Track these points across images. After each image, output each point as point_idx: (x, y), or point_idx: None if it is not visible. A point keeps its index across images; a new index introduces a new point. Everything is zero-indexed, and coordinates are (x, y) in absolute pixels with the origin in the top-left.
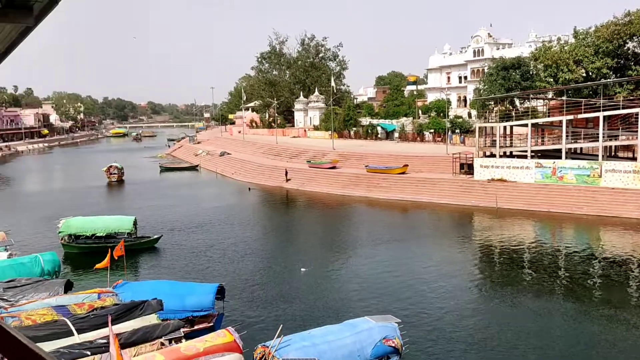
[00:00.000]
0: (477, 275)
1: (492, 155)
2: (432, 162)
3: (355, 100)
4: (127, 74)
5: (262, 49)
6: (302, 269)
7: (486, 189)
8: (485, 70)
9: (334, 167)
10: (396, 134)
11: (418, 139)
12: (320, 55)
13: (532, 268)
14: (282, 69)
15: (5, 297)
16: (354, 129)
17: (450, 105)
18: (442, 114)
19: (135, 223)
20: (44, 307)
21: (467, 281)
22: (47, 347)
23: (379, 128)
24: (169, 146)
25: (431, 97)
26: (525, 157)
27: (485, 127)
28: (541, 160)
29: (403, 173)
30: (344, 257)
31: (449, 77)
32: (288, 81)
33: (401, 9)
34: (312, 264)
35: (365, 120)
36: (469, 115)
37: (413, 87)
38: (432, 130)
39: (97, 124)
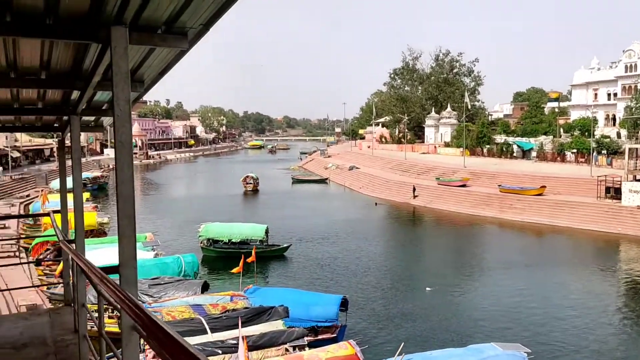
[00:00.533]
0: (621, 311)
1: None
2: (573, 184)
3: (489, 117)
4: (266, 89)
5: (396, 65)
6: (428, 288)
7: (635, 216)
8: (639, 87)
9: (464, 186)
10: (534, 153)
11: (558, 159)
12: (455, 70)
13: None
14: (415, 85)
15: (149, 293)
16: (488, 146)
17: (596, 123)
18: (586, 133)
19: (267, 231)
20: (182, 304)
21: (608, 316)
22: None
23: (514, 146)
24: (301, 159)
25: (575, 115)
26: None
27: (637, 148)
28: None
29: (540, 194)
30: (471, 279)
31: (596, 94)
32: (420, 97)
33: (544, 23)
34: (437, 283)
35: (500, 138)
36: (618, 135)
37: (554, 104)
38: (574, 150)
39: (237, 136)
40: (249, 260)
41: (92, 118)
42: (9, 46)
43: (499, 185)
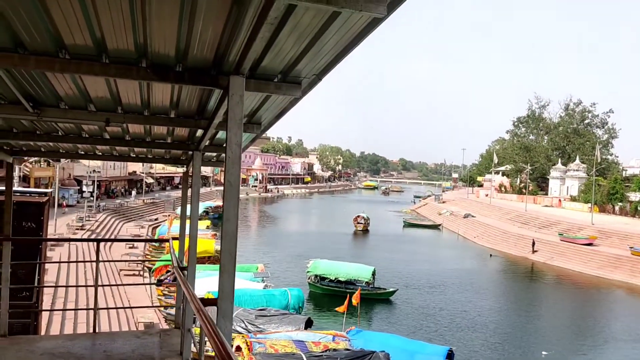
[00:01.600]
0: None
1: None
2: None
3: (623, 172)
4: (385, 130)
5: (520, 113)
6: (544, 353)
7: None
8: None
9: (590, 244)
10: None
11: None
12: (586, 121)
13: None
14: (540, 134)
15: (256, 324)
16: (620, 204)
17: None
18: None
19: (374, 273)
20: (286, 339)
21: None
22: None
23: None
24: (414, 202)
25: None
26: None
27: None
28: None
29: None
30: (593, 347)
31: None
32: (545, 147)
33: None
34: (554, 348)
35: (634, 196)
36: None
37: None
38: None
39: (352, 176)
40: (354, 301)
41: (214, 154)
42: (144, 88)
43: (631, 247)
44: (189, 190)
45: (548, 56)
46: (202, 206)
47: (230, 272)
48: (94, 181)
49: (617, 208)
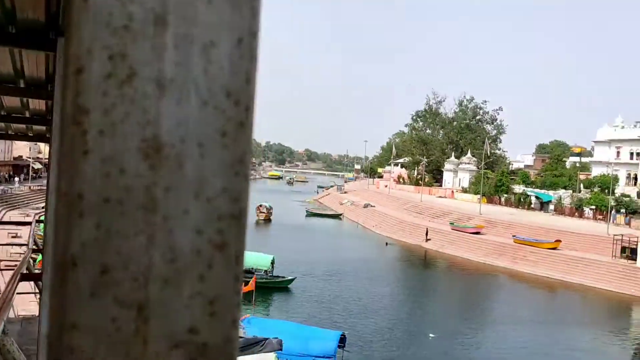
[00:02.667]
0: None
1: None
2: (589, 241)
3: (510, 166)
4: (290, 121)
5: (419, 107)
6: (431, 335)
7: None
8: None
9: (478, 233)
10: (551, 206)
11: (576, 214)
12: (478, 117)
13: None
14: (436, 128)
15: None
16: (505, 195)
17: (617, 181)
18: (606, 191)
19: (273, 262)
20: None
21: None
22: None
23: (533, 197)
24: (318, 192)
25: (596, 172)
26: None
27: None
28: None
29: (554, 249)
30: (477, 330)
31: (618, 152)
32: (441, 141)
33: (572, 77)
34: (441, 331)
35: (518, 188)
36: (638, 195)
37: (576, 159)
38: (593, 207)
39: (257, 165)
40: (246, 289)
41: (23, 126)
42: None
43: (514, 236)
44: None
45: (447, 56)
46: None
47: None
48: None
49: (503, 199)
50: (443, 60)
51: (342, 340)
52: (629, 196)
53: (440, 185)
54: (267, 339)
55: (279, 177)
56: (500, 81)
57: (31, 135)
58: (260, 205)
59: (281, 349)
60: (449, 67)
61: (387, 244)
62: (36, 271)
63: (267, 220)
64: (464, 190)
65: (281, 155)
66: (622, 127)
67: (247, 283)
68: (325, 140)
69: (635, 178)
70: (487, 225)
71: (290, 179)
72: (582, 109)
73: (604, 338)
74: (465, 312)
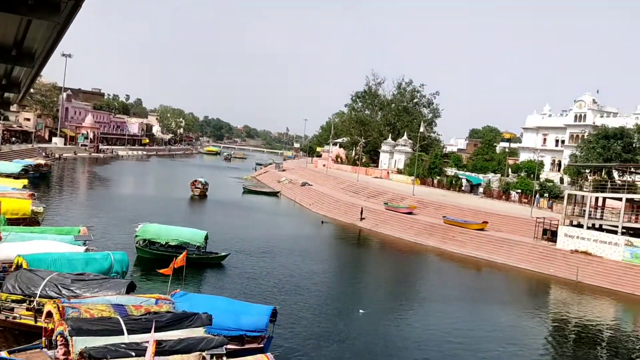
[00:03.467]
0: (544, 349)
1: (579, 226)
2: (514, 223)
3: (444, 149)
4: (230, 96)
5: (359, 87)
6: (361, 311)
7: (568, 260)
8: (585, 137)
9: (410, 213)
10: (481, 189)
11: (503, 197)
12: (415, 100)
13: (605, 352)
14: (375, 110)
15: (72, 289)
16: (438, 177)
17: (542, 167)
18: (532, 175)
19: (206, 238)
20: (104, 303)
21: (530, 354)
22: (98, 341)
23: (464, 180)
24: (256, 169)
25: (523, 157)
26: (615, 232)
27: (576, 195)
28: (632, 239)
29: (481, 230)
30: (405, 306)
31: (545, 139)
32: (379, 122)
33: (504, 65)
34: (371, 307)
35: (450, 171)
36: (561, 180)
37: (506, 145)
38: (519, 191)
39: (194, 140)
40: (177, 263)
41: None
42: None
43: (444, 217)
44: (13, 145)
45: (388, 37)
46: (21, 164)
47: None
48: None
49: (435, 181)
50: (383, 42)
51: (274, 315)
52: (552, 181)
53: (377, 166)
54: (196, 314)
55: (217, 153)
56: (438, 65)
57: None
58: (196, 181)
59: (210, 324)
60: (389, 48)
61: (322, 222)
62: None
63: (203, 196)
64: (399, 172)
65: (220, 130)
66: (550, 115)
67: (176, 258)
68: (265, 117)
69: (559, 164)
70: (420, 205)
71: (228, 155)
72: (514, 97)
73: (524, 315)
74: (396, 289)
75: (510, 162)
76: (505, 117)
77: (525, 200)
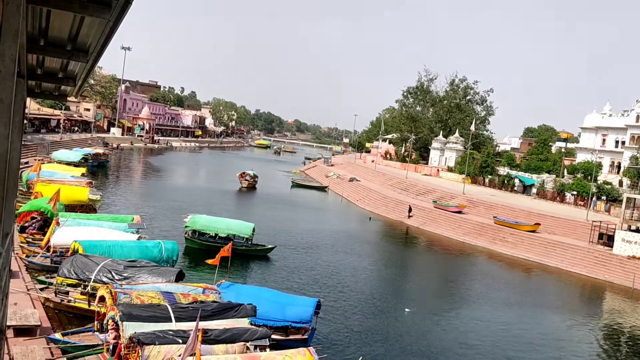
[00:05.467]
0: (596, 359)
1: (638, 231)
2: (568, 225)
3: (496, 148)
4: (282, 91)
5: (411, 83)
6: (407, 310)
7: (624, 266)
8: None
9: (460, 212)
10: (534, 189)
11: (558, 198)
12: (468, 97)
13: None
14: (426, 106)
15: (124, 275)
16: (490, 176)
17: (600, 169)
18: (589, 177)
19: (253, 230)
20: (154, 290)
21: None
22: (147, 327)
23: (516, 180)
24: (304, 164)
25: (581, 158)
26: None
27: (636, 198)
28: None
29: (533, 231)
30: (452, 307)
31: (604, 140)
32: (430, 119)
33: (565, 62)
34: (417, 306)
35: (503, 170)
36: (620, 183)
37: (562, 144)
38: (574, 192)
39: (245, 133)
40: (223, 254)
41: (52, 86)
42: None
43: (494, 217)
44: (73, 133)
45: (442, 33)
46: (81, 153)
47: None
48: None
49: (487, 180)
50: (438, 38)
51: (318, 307)
52: (610, 184)
53: (427, 163)
54: (241, 304)
55: (267, 147)
56: (494, 62)
57: None
58: (244, 173)
59: (255, 315)
60: (444, 45)
61: (370, 218)
62: None
63: (252, 188)
64: (450, 170)
65: (270, 124)
66: (610, 115)
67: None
68: (315, 112)
69: (619, 166)
70: (470, 205)
71: (278, 148)
72: (572, 95)
73: (575, 321)
74: (442, 289)
75: (567, 162)
76: (563, 116)
77: (581, 203)
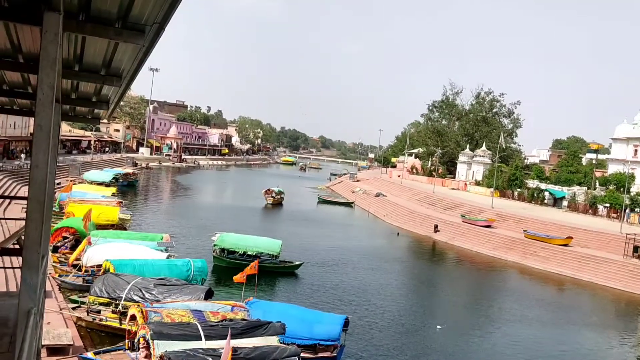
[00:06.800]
0: None
1: None
2: (601, 238)
3: (525, 161)
4: (307, 107)
5: (436, 97)
6: (438, 327)
7: None
8: None
9: (489, 226)
10: (565, 202)
11: (590, 211)
12: (494, 110)
13: None
14: (452, 120)
15: (154, 293)
16: (519, 190)
17: (633, 180)
18: (622, 189)
19: (281, 247)
20: (184, 308)
21: None
22: (177, 346)
23: (546, 193)
24: (330, 180)
25: (612, 169)
26: None
27: None
28: None
29: (566, 245)
30: (483, 325)
31: (636, 150)
32: (456, 132)
33: (593, 72)
34: (447, 323)
35: (532, 183)
36: None
37: (593, 156)
38: (607, 205)
39: (270, 150)
40: (249, 271)
41: (86, 109)
42: None
43: (525, 231)
44: (104, 154)
45: (468, 45)
46: (111, 173)
47: (37, 220)
48: None
49: (516, 193)
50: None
51: (346, 324)
52: None
53: (454, 177)
54: (270, 322)
55: (293, 163)
56: (520, 74)
57: (17, 109)
58: (269, 189)
59: (284, 333)
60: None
61: (398, 234)
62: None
63: (278, 204)
64: (477, 183)
65: (295, 141)
66: None
67: (255, 267)
68: (340, 128)
69: None
70: (499, 219)
71: (304, 165)
72: (602, 106)
73: (611, 338)
74: (473, 305)
75: (598, 174)
76: (592, 127)
77: (614, 215)
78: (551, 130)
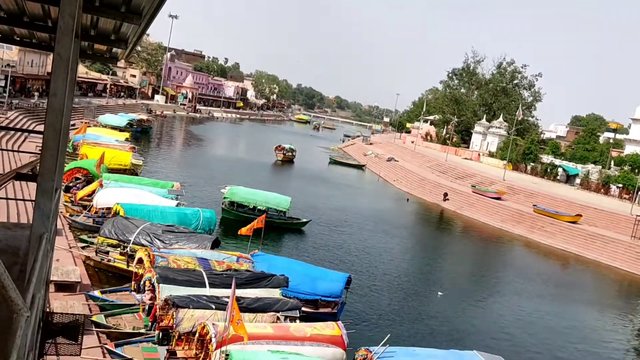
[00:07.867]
0: (623, 355)
1: None
2: (611, 218)
3: (541, 135)
4: (325, 66)
5: (456, 65)
6: (439, 293)
7: None
8: None
9: (498, 198)
10: (578, 180)
11: (602, 190)
12: (515, 82)
13: None
14: (471, 89)
15: (162, 239)
16: (532, 164)
17: None
18: (636, 170)
19: (290, 203)
20: (190, 255)
21: (608, 358)
22: (182, 291)
23: (560, 169)
24: (343, 141)
25: (629, 149)
26: None
27: None
28: None
29: (574, 222)
30: (485, 293)
31: None
32: (474, 102)
33: (616, 49)
34: (449, 290)
35: (546, 158)
36: None
37: (611, 135)
38: (620, 185)
39: (285, 107)
40: (256, 225)
41: (104, 48)
42: None
43: (534, 205)
44: (121, 98)
45: (491, 13)
46: (126, 118)
47: (54, 149)
48: (7, 76)
49: (529, 167)
50: (484, 20)
51: (348, 282)
52: None
53: (468, 147)
54: (274, 275)
55: (307, 122)
56: (544, 47)
57: (35, 42)
58: (280, 146)
59: (287, 286)
60: (490, 27)
61: (407, 199)
62: None
63: (289, 161)
64: (491, 155)
65: (311, 99)
66: None
67: (264, 221)
68: (357, 89)
69: None
70: (509, 191)
71: (317, 124)
72: (625, 85)
73: (610, 316)
74: (476, 275)
75: (614, 154)
76: (613, 106)
77: (627, 196)
78: (571, 106)
